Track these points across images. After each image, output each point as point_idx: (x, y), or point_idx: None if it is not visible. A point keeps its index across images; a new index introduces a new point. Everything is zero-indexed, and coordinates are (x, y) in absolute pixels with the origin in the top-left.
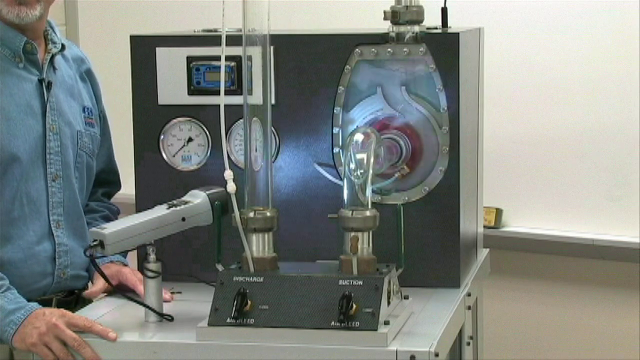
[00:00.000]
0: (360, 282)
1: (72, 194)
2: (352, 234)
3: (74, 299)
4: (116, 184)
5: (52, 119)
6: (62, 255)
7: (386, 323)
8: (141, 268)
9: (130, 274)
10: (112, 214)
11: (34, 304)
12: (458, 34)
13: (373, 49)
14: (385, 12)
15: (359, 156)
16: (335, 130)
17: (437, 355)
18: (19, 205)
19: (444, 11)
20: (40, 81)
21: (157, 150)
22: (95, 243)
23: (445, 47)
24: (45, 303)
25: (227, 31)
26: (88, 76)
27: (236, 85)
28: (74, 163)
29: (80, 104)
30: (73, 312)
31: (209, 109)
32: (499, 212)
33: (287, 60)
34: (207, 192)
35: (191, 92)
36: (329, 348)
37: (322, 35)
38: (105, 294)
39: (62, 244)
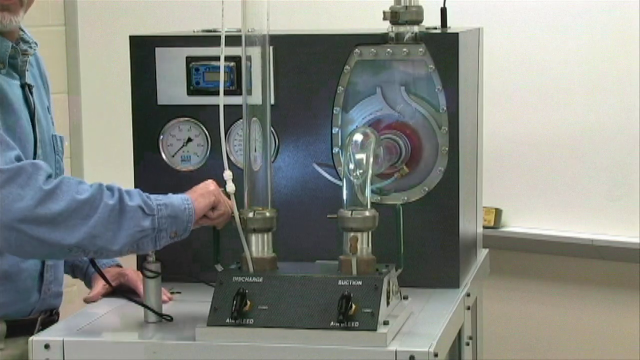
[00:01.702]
0: (360, 282)
1: None
2: (352, 234)
3: (55, 319)
4: None
5: (37, 125)
6: (49, 269)
7: (385, 323)
8: (141, 268)
9: (133, 273)
10: None
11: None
12: (457, 34)
13: (372, 49)
14: (384, 12)
15: (358, 156)
16: (335, 130)
17: (436, 355)
18: None
19: (443, 11)
20: (22, 86)
21: (157, 151)
22: None
23: (444, 47)
24: (31, 323)
25: (226, 31)
26: (43, 70)
27: (235, 85)
28: (54, 169)
29: (45, 104)
30: None
31: (208, 109)
32: (498, 212)
33: (287, 61)
34: None
35: (190, 92)
36: (328, 348)
37: (322, 35)
38: (102, 297)
39: None
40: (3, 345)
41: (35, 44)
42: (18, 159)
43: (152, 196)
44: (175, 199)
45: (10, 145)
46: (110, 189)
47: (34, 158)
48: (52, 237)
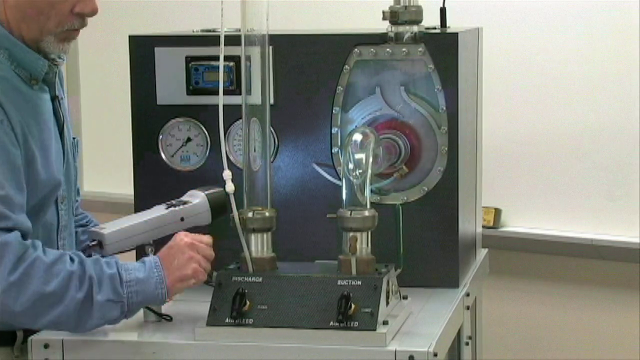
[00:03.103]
0: (359, 282)
1: (72, 214)
2: (351, 234)
3: None
4: None
5: (65, 137)
6: None
7: (385, 323)
8: None
9: None
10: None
11: (149, 259)
12: (457, 34)
13: (372, 49)
14: (384, 12)
15: (357, 156)
16: (334, 130)
17: (435, 355)
18: (35, 236)
19: (443, 11)
20: (52, 99)
21: (156, 150)
22: (94, 243)
23: (444, 47)
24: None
25: (225, 31)
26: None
27: (235, 85)
28: (72, 178)
29: (65, 107)
30: None
31: (207, 109)
32: (498, 212)
33: (286, 60)
34: (206, 192)
35: (190, 92)
36: (328, 348)
37: (321, 35)
38: None
39: None
40: (19, 352)
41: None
42: (8, 229)
43: (126, 276)
44: (149, 284)
45: (4, 216)
46: (81, 278)
47: (63, 168)
48: (17, 322)
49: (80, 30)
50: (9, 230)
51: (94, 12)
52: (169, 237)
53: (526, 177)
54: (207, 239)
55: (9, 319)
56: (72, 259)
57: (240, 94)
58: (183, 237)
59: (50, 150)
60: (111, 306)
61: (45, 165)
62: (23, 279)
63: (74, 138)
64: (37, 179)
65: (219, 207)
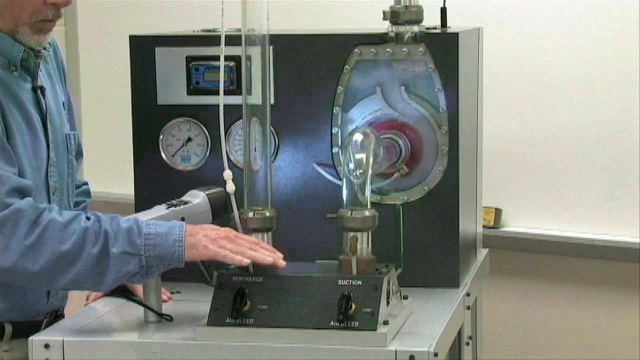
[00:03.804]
0: (360, 282)
1: (67, 206)
2: (352, 234)
3: (59, 319)
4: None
5: (50, 127)
6: None
7: (385, 323)
8: None
9: None
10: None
11: (175, 221)
12: (457, 33)
13: (372, 49)
14: (384, 12)
15: (358, 156)
16: (335, 130)
17: (436, 355)
18: None
19: (443, 11)
20: (34, 89)
21: (157, 150)
22: None
23: (444, 47)
24: (37, 324)
25: (226, 31)
26: (61, 62)
27: (235, 85)
28: (67, 170)
29: (60, 101)
30: None
31: (208, 108)
32: (498, 212)
33: (286, 60)
34: (207, 192)
35: (190, 92)
36: (328, 348)
37: (321, 35)
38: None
39: None
40: (8, 347)
41: (49, 44)
42: (15, 190)
43: (146, 228)
44: (167, 240)
45: (2, 179)
46: (96, 233)
47: (48, 161)
48: (38, 284)
49: (81, 30)
50: (19, 193)
51: (67, 2)
52: None
53: (526, 177)
54: (250, 238)
55: (29, 280)
56: (87, 218)
57: (240, 94)
58: (223, 229)
59: (27, 136)
60: (127, 258)
61: (24, 147)
62: (39, 241)
63: (69, 134)
64: (19, 158)
65: (219, 207)
